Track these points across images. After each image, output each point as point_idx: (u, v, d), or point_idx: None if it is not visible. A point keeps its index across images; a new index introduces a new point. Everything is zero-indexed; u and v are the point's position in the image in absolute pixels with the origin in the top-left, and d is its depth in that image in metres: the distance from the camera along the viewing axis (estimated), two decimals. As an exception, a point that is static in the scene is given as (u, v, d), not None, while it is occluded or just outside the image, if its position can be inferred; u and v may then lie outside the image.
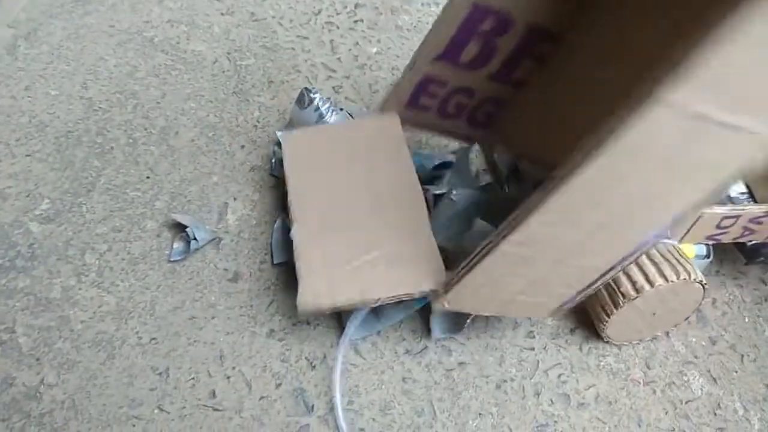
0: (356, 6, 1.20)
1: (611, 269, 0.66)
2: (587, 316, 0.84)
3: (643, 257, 0.74)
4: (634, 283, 0.73)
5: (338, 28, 1.15)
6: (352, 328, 0.74)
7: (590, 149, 0.53)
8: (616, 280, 0.74)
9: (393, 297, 0.68)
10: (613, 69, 0.78)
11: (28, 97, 0.95)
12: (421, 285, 0.69)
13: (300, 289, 0.68)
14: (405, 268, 0.70)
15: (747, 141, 0.54)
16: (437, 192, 0.84)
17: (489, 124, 0.91)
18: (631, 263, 0.67)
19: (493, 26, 0.77)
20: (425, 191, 0.81)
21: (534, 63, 0.83)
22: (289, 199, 0.77)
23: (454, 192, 0.83)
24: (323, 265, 0.70)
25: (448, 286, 0.67)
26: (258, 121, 0.98)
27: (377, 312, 0.76)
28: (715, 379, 0.82)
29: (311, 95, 0.89)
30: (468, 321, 0.76)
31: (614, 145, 0.52)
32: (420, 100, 0.85)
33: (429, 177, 0.87)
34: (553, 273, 0.66)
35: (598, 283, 0.68)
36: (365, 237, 0.73)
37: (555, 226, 0.59)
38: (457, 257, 0.78)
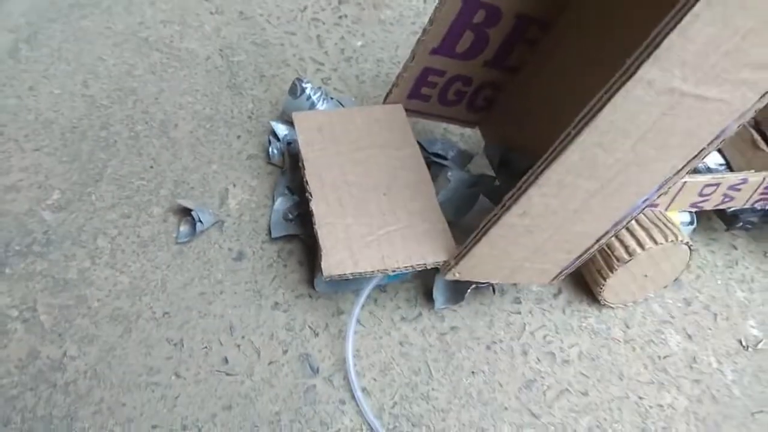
0: (340, 2, 1.25)
1: (605, 234, 0.72)
2: (570, 282, 0.90)
3: (634, 224, 0.80)
4: (626, 248, 0.79)
5: (324, 23, 1.21)
6: (363, 296, 0.79)
7: (581, 124, 0.59)
8: (610, 246, 0.80)
9: (409, 266, 0.74)
10: (598, 51, 0.85)
11: (33, 96, 1.00)
12: (435, 256, 0.75)
13: (324, 257, 0.73)
14: (418, 241, 0.76)
15: (715, 109, 0.60)
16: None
17: (488, 108, 0.97)
18: (622, 228, 0.72)
19: (484, 18, 0.83)
20: (445, 170, 0.88)
21: (526, 48, 0.90)
22: (305, 174, 0.81)
23: (449, 173, 0.89)
24: (345, 237, 0.76)
25: (458, 258, 0.72)
26: (252, 113, 1.04)
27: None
28: (690, 336, 0.88)
29: (303, 85, 0.95)
30: (468, 291, 0.82)
31: (601, 119, 0.58)
32: (421, 90, 0.91)
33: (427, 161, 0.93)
34: (553, 240, 0.72)
35: (594, 248, 0.74)
36: (380, 213, 0.79)
37: (552, 196, 0.65)
38: (462, 233, 0.84)
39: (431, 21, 0.82)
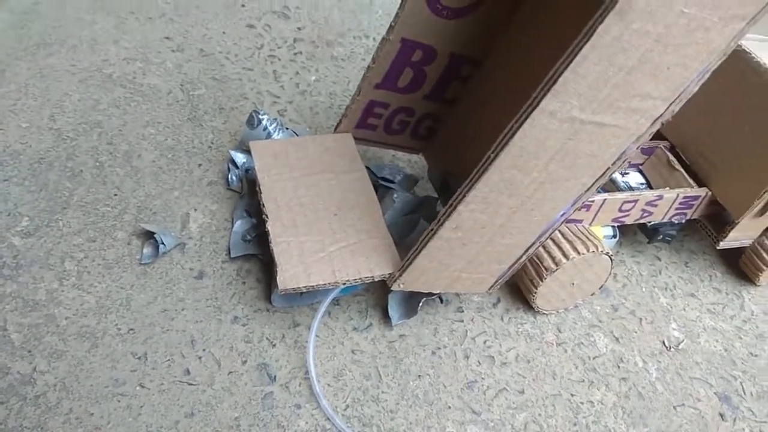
0: (295, 40, 1.34)
1: (531, 246, 0.81)
2: (507, 292, 0.98)
3: (560, 237, 0.89)
4: (553, 258, 0.88)
5: (280, 59, 1.29)
6: (322, 309, 0.86)
7: (498, 148, 0.67)
8: (538, 257, 0.89)
9: (358, 279, 0.81)
10: (520, 85, 0.94)
11: (1, 130, 1.05)
12: (381, 269, 0.82)
13: (279, 272, 0.80)
14: (366, 256, 0.83)
15: (612, 134, 0.69)
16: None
17: (430, 136, 1.06)
18: (546, 239, 0.81)
19: (421, 57, 0.93)
20: (391, 192, 0.96)
21: (460, 83, 0.99)
22: (261, 198, 0.88)
23: (395, 195, 0.96)
24: (298, 254, 0.82)
25: (401, 270, 0.79)
26: (212, 143, 1.10)
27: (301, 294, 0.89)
28: (617, 339, 0.97)
29: (260, 116, 1.02)
30: (420, 305, 0.89)
31: (513, 144, 0.66)
32: (368, 120, 0.99)
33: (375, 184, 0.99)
34: (485, 252, 0.79)
35: (523, 258, 0.82)
36: (331, 232, 0.86)
37: (479, 212, 0.73)
38: (406, 250, 0.91)
39: (374, 59, 0.91)
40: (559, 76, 0.61)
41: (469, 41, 0.93)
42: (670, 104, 0.68)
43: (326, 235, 0.85)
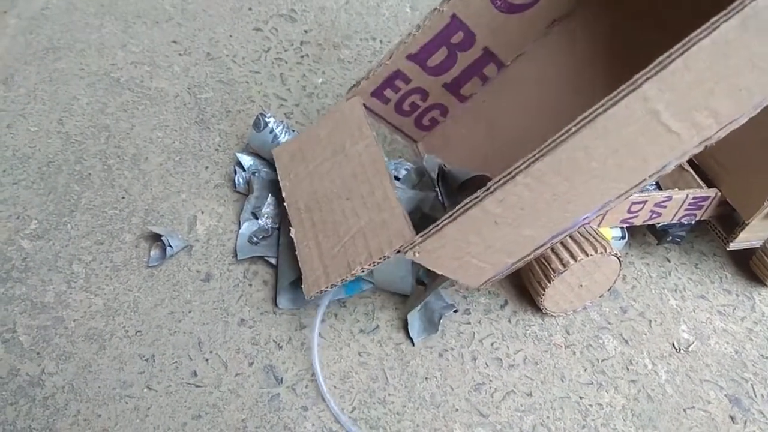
0: (302, 43, 1.34)
1: (543, 245, 0.79)
2: (514, 294, 0.98)
3: (567, 238, 0.88)
4: (561, 259, 0.87)
5: (287, 62, 1.29)
6: (322, 310, 0.86)
7: (582, 123, 0.63)
8: (546, 259, 0.88)
9: (372, 262, 0.77)
10: (541, 97, 0.95)
11: (11, 134, 1.06)
12: (391, 245, 0.76)
13: (304, 279, 0.80)
14: (379, 235, 0.78)
15: (668, 142, 0.67)
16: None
17: (430, 128, 1.06)
18: (557, 242, 0.79)
19: (460, 41, 0.93)
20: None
21: (479, 82, 0.99)
22: (286, 206, 0.88)
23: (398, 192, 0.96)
24: (318, 255, 0.81)
25: (425, 236, 0.74)
26: (219, 146, 1.11)
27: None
28: (626, 341, 0.96)
29: (266, 119, 1.02)
30: (440, 319, 0.89)
31: (600, 122, 0.63)
32: (384, 92, 0.97)
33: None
34: (505, 239, 0.76)
35: (530, 256, 0.80)
36: (345, 219, 0.82)
37: (528, 190, 0.69)
38: None
39: (418, 27, 0.90)
40: (671, 63, 0.58)
41: (505, 40, 0.94)
42: (720, 129, 0.66)
43: (340, 225, 0.82)
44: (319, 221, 0.85)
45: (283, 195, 0.90)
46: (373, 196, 0.83)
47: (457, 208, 0.72)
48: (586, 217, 0.76)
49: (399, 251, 0.76)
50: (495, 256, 0.80)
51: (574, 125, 0.65)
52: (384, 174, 0.85)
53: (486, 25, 0.92)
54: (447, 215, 0.73)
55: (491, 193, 0.70)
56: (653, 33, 0.82)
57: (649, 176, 0.71)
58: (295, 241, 0.84)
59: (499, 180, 0.69)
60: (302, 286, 0.80)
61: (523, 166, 0.67)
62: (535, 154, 0.67)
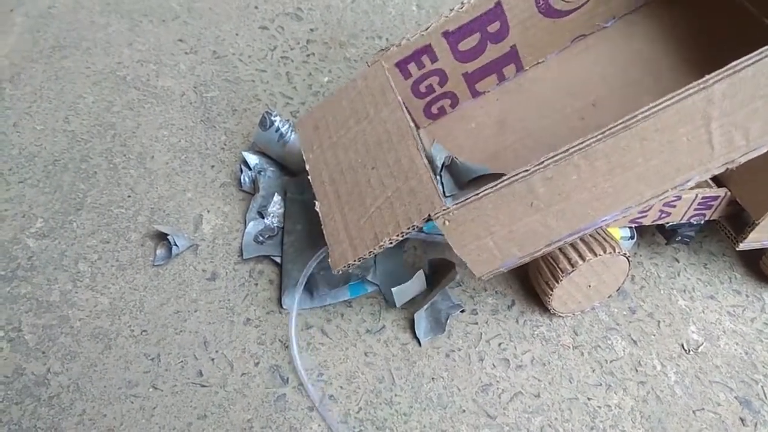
0: (308, 42, 1.34)
1: (556, 242, 0.77)
2: (522, 295, 0.97)
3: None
4: (569, 260, 0.86)
5: (293, 61, 1.29)
6: (295, 301, 0.85)
7: (659, 106, 0.63)
8: (554, 259, 0.87)
9: (401, 233, 0.73)
10: (554, 103, 0.96)
11: (17, 132, 1.05)
12: (420, 213, 0.73)
13: (330, 253, 0.77)
14: (407, 203, 0.75)
15: (703, 154, 0.66)
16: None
17: (435, 117, 1.05)
18: (567, 242, 0.78)
19: (495, 32, 0.92)
20: None
21: (496, 81, 0.99)
22: (309, 179, 0.85)
23: None
24: (344, 227, 0.78)
25: (461, 205, 0.70)
26: (225, 144, 1.10)
27: (311, 293, 0.89)
28: (635, 342, 0.95)
29: (272, 118, 1.02)
30: (446, 319, 0.88)
31: (672, 108, 0.62)
32: (409, 65, 0.94)
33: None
34: (527, 227, 0.74)
35: (538, 253, 0.78)
36: (371, 190, 0.78)
37: (575, 174, 0.68)
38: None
39: (462, 4, 0.89)
40: (743, 69, 0.58)
41: (533, 43, 0.94)
42: (745, 153, 0.65)
43: (366, 197, 0.78)
44: (344, 193, 0.81)
45: (307, 168, 0.87)
46: (399, 163, 0.79)
47: (502, 179, 0.69)
48: (604, 220, 0.75)
49: (429, 219, 0.72)
50: (509, 244, 0.77)
51: (642, 113, 0.63)
52: (410, 140, 0.80)
53: (522, 22, 0.92)
54: (489, 185, 0.69)
55: (543, 168, 0.68)
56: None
57: (672, 188, 0.70)
58: (320, 214, 0.81)
59: (554, 156, 0.67)
60: (329, 261, 0.77)
61: (582, 145, 0.66)
62: (597, 135, 0.66)
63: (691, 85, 0.62)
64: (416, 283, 0.91)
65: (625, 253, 0.87)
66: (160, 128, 1.11)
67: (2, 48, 1.20)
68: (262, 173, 1.02)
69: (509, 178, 0.69)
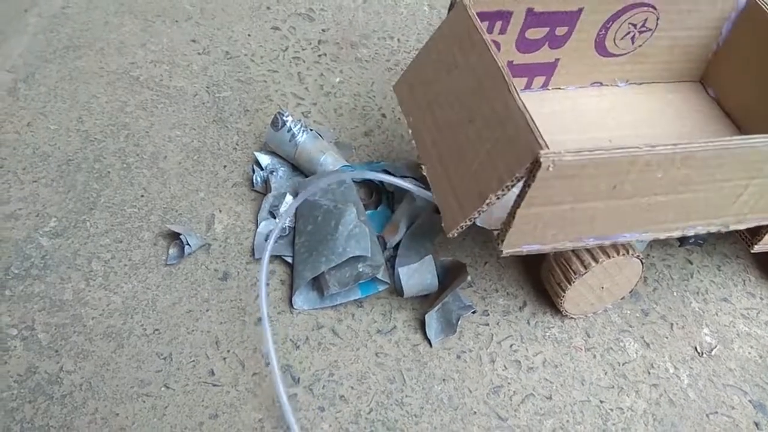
0: (319, 42, 1.34)
1: (575, 243, 0.76)
2: (534, 296, 0.96)
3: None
4: (582, 261, 0.85)
5: (304, 62, 1.29)
6: (269, 245, 0.86)
7: (742, 141, 0.63)
8: (567, 260, 0.86)
9: (505, 187, 0.67)
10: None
11: (31, 132, 1.06)
12: (520, 163, 0.65)
13: (443, 220, 0.74)
14: (506, 155, 0.68)
15: (731, 193, 0.67)
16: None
17: None
18: (579, 247, 0.78)
19: (560, 36, 0.91)
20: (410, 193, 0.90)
21: (524, 85, 1.00)
22: (414, 143, 0.83)
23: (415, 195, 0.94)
24: (452, 191, 0.74)
25: (573, 154, 0.63)
26: (237, 145, 1.11)
27: (321, 292, 0.89)
28: (648, 344, 0.94)
29: (284, 118, 1.02)
30: (458, 320, 0.88)
31: (752, 148, 0.64)
32: (485, 19, 0.86)
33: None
34: (581, 215, 0.70)
35: (560, 246, 0.76)
36: (471, 146, 0.73)
37: (652, 171, 0.66)
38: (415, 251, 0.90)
39: None
40: None
41: (569, 64, 0.95)
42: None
43: (467, 154, 0.73)
44: (446, 154, 0.76)
45: (410, 133, 0.83)
46: (494, 112, 0.71)
47: (615, 145, 0.64)
48: (624, 236, 0.74)
49: (532, 170, 0.64)
50: (554, 222, 0.71)
51: (741, 139, 0.63)
52: (502, 83, 0.71)
53: (578, 40, 0.91)
54: (601, 148, 0.63)
55: (650, 152, 0.64)
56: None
57: (687, 227, 0.70)
58: (429, 180, 0.78)
59: (658, 146, 0.64)
60: (442, 224, 0.73)
61: (686, 148, 0.64)
62: (702, 142, 0.64)
63: None
64: (424, 267, 0.90)
65: (638, 255, 0.87)
66: (173, 128, 1.11)
67: (16, 48, 1.21)
68: (274, 173, 1.02)
69: (620, 148, 0.63)
